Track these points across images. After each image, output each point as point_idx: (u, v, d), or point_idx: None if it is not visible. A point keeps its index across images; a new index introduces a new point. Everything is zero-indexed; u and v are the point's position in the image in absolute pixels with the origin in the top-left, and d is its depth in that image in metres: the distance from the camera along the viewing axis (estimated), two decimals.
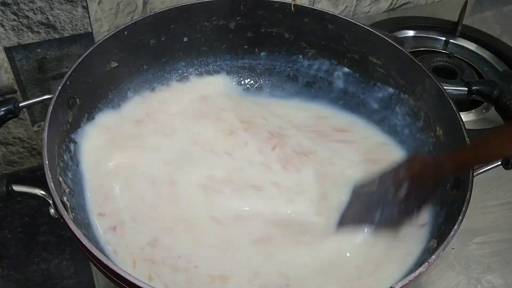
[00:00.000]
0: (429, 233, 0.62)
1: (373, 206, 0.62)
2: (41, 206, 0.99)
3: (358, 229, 0.62)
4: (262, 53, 0.81)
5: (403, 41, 0.98)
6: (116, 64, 0.70)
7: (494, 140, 0.55)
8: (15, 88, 0.89)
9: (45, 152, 0.54)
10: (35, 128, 0.97)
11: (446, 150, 0.66)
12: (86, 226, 0.58)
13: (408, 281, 0.49)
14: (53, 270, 0.94)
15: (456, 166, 0.57)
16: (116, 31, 0.67)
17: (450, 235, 0.53)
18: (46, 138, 0.56)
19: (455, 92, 0.85)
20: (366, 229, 0.62)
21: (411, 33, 1.05)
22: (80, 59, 0.63)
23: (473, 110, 0.90)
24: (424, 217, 0.63)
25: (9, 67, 0.86)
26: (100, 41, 0.66)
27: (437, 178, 0.58)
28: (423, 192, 0.58)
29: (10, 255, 0.95)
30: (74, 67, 0.62)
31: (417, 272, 0.50)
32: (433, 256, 0.51)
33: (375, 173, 0.64)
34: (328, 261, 0.61)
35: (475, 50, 1.03)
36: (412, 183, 0.58)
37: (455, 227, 0.53)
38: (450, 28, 1.04)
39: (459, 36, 1.04)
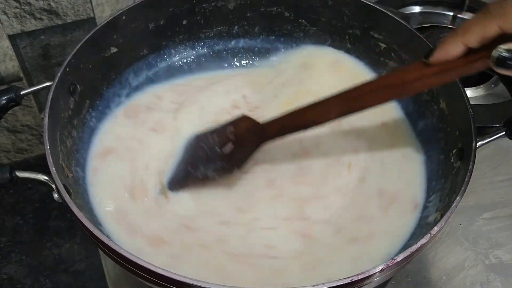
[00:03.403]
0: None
1: (198, 161, 0.63)
2: (52, 192, 1.00)
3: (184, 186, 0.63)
4: (262, 33, 0.80)
5: (409, 17, 0.97)
6: (116, 49, 0.69)
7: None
8: (21, 75, 0.90)
9: (46, 138, 0.55)
10: (42, 115, 0.98)
11: (450, 122, 0.65)
12: (90, 210, 0.59)
13: (410, 253, 0.48)
14: (65, 254, 0.95)
15: (276, 129, 0.60)
16: (113, 16, 0.67)
17: (453, 206, 0.52)
18: (47, 124, 0.56)
19: None
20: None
21: (417, 9, 1.03)
22: (78, 45, 0.63)
23: (481, 85, 0.88)
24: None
25: (14, 54, 0.87)
26: (98, 27, 0.65)
27: (258, 140, 0.61)
28: (245, 150, 0.62)
29: (22, 241, 0.97)
30: (72, 53, 0.62)
31: (419, 243, 0.48)
32: (435, 228, 0.50)
33: (205, 130, 0.64)
34: None
35: None
36: (236, 141, 0.61)
37: (458, 198, 0.52)
38: (458, 3, 1.02)
39: (467, 11, 1.02)
